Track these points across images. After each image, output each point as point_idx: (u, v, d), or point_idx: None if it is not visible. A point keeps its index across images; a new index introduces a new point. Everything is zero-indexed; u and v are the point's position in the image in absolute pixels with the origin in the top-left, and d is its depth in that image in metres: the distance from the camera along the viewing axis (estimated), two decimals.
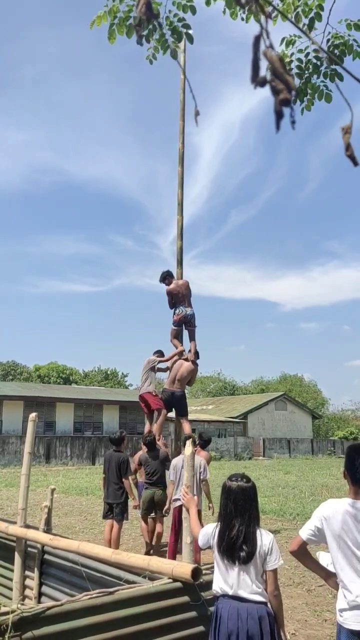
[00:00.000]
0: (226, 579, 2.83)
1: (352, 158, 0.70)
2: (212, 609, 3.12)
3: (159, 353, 9.62)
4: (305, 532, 2.87)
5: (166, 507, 7.71)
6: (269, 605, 2.80)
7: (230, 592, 2.80)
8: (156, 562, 3.34)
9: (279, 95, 0.64)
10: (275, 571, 2.84)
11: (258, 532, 2.87)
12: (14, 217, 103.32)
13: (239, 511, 2.87)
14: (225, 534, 2.86)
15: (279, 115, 0.64)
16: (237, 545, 2.81)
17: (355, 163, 0.70)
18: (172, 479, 7.61)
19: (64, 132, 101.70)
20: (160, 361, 9.46)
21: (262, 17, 0.68)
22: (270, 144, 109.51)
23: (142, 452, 8.63)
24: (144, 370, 9.56)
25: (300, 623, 5.50)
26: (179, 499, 7.35)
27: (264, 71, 0.69)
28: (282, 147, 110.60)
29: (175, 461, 7.70)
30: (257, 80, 0.66)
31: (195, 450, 8.56)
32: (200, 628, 3.08)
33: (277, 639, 2.76)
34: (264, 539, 2.85)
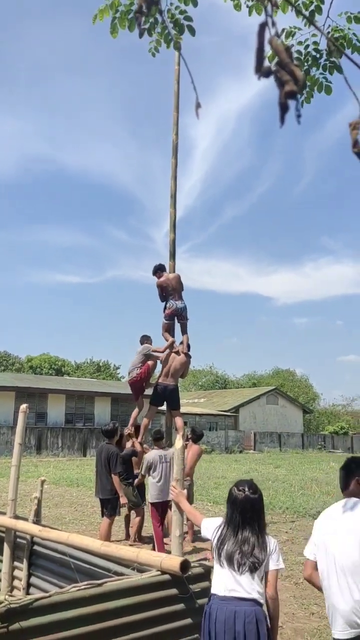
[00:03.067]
0: (225, 580, 2.83)
1: (359, 155, 0.68)
2: (200, 601, 3.13)
3: (146, 338, 9.51)
4: (308, 551, 2.97)
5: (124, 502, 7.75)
6: (264, 608, 2.79)
7: (228, 594, 2.79)
8: (145, 555, 3.34)
9: (285, 87, 0.61)
10: (275, 573, 2.85)
11: (267, 538, 2.89)
12: (7, 207, 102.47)
13: (247, 522, 2.88)
14: (228, 542, 2.87)
15: (283, 108, 0.61)
16: (241, 555, 2.80)
17: None
18: (142, 474, 7.66)
19: (58, 123, 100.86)
20: (153, 350, 9.40)
21: (269, 5, 0.66)
22: (266, 138, 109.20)
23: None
24: (136, 357, 9.43)
25: (287, 616, 5.53)
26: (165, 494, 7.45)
27: (268, 61, 0.67)
28: (278, 141, 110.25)
29: (148, 456, 7.75)
30: (262, 71, 0.63)
31: (187, 445, 8.65)
32: (188, 620, 3.09)
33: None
34: (269, 543, 2.87)
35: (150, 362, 9.29)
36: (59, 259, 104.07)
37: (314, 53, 4.02)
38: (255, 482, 3.07)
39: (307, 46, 4.09)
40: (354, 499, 2.91)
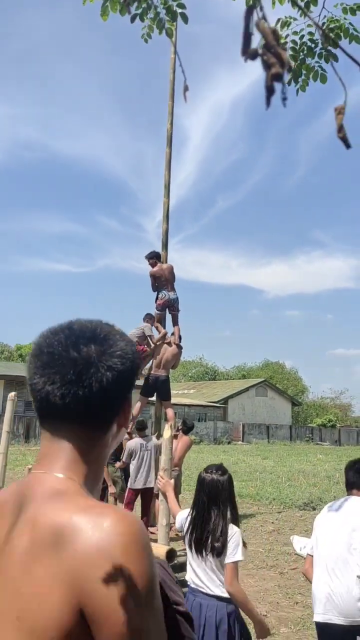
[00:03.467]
0: (195, 571, 2.84)
1: (344, 140, 0.67)
2: (186, 590, 3.16)
3: (150, 317, 9.47)
4: (308, 548, 3.03)
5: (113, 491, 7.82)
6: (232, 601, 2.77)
7: (198, 585, 2.80)
8: None
9: (271, 69, 0.61)
10: (231, 566, 2.74)
11: (231, 526, 2.84)
12: None
13: (212, 504, 2.84)
14: (196, 527, 2.85)
15: (269, 91, 0.61)
16: (207, 539, 2.79)
17: (347, 145, 0.67)
18: (124, 460, 7.77)
19: (50, 109, 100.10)
20: (149, 335, 9.35)
21: None
22: (260, 128, 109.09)
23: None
24: (134, 330, 9.35)
25: (272, 605, 5.60)
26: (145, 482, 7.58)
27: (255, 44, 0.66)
28: (272, 131, 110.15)
29: (130, 444, 7.86)
30: (248, 53, 0.63)
31: (178, 435, 8.69)
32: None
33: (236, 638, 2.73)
34: (229, 531, 2.82)
35: (147, 349, 9.26)
36: (50, 247, 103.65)
37: (309, 43, 4.00)
38: (243, 473, 3.07)
39: (303, 36, 4.07)
40: (353, 497, 3.06)
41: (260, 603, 5.50)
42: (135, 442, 7.91)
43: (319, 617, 2.87)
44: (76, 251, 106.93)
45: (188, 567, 2.92)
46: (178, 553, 3.22)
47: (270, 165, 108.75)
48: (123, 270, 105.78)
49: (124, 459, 7.77)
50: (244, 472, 17.48)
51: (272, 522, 9.67)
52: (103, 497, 7.85)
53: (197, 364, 69.90)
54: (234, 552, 2.77)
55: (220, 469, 2.98)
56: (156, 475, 7.94)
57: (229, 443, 37.99)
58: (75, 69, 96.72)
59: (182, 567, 3.23)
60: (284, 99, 0.61)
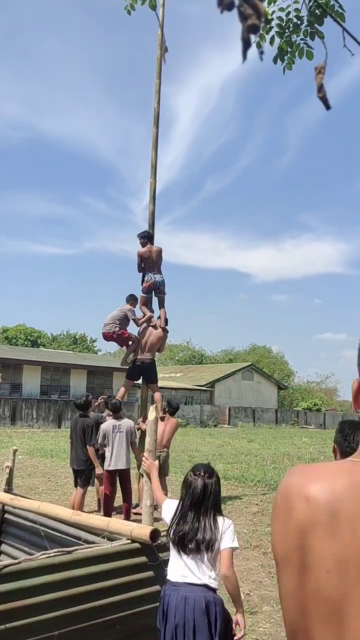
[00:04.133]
0: (177, 565, 2.83)
1: (324, 100, 0.65)
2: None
3: (133, 298, 9.44)
4: None
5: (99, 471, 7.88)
6: (219, 592, 2.79)
7: (180, 579, 2.79)
8: (115, 523, 3.37)
9: (247, 21, 0.59)
10: (227, 552, 2.80)
11: (220, 519, 2.86)
12: None
13: (201, 505, 2.85)
14: (183, 526, 2.85)
15: (246, 43, 0.59)
16: (188, 538, 2.80)
17: (327, 106, 0.66)
18: (99, 442, 7.79)
19: (36, 87, 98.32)
20: (132, 318, 9.34)
21: None
22: (249, 111, 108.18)
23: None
24: (117, 312, 9.36)
25: (255, 584, 5.68)
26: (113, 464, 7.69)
27: None
28: (261, 114, 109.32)
29: (104, 426, 7.87)
30: (224, 4, 0.61)
31: (165, 418, 8.72)
32: (157, 587, 3.14)
33: (221, 629, 2.72)
34: (222, 524, 2.84)
35: (128, 333, 9.27)
36: (36, 229, 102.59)
37: (295, 20, 3.94)
38: (229, 455, 3.07)
39: (289, 13, 4.00)
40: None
41: (244, 582, 5.57)
42: (107, 424, 7.90)
43: None
44: (62, 233, 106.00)
45: (170, 562, 2.90)
46: (162, 533, 3.25)
47: (260, 147, 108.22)
48: (110, 252, 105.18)
49: (99, 441, 7.79)
50: (229, 454, 17.65)
51: (257, 504, 9.79)
52: (89, 477, 7.88)
53: (184, 348, 70.09)
54: (232, 539, 2.82)
55: (208, 471, 2.96)
56: (137, 457, 8.04)
57: (215, 426, 38.28)
58: (60, 45, 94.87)
59: (166, 547, 3.25)
60: (261, 52, 0.59)
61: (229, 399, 43.96)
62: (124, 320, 9.27)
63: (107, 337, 9.27)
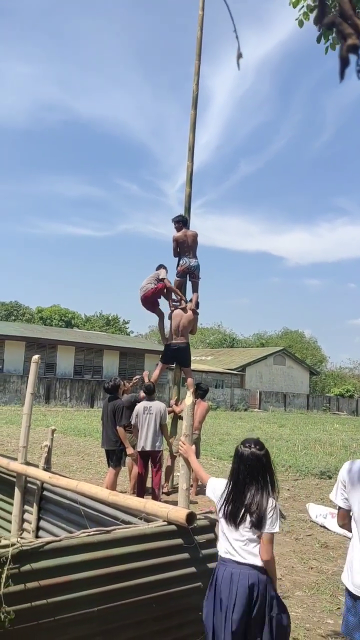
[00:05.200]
0: (228, 542, 2.87)
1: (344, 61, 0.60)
2: (204, 552, 3.23)
3: (162, 266, 9.39)
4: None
5: (130, 452, 7.96)
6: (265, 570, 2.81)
7: (226, 556, 2.85)
8: (152, 505, 3.42)
9: (347, 40, 0.56)
10: (268, 536, 2.78)
11: (270, 500, 2.85)
12: (17, 155, 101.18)
13: (253, 478, 2.86)
14: (234, 500, 2.87)
15: (344, 62, 0.57)
16: (244, 511, 2.82)
17: (345, 66, 0.60)
18: (132, 423, 7.90)
19: (71, 68, 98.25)
20: (164, 278, 9.21)
21: None
22: (285, 91, 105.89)
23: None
24: (151, 276, 9.25)
25: (287, 569, 5.71)
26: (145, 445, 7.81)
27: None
28: (298, 94, 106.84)
29: (137, 407, 8.01)
30: (324, 22, 0.59)
31: (197, 401, 8.76)
32: (192, 569, 3.19)
33: (268, 607, 2.76)
34: (269, 504, 2.83)
35: (163, 285, 9.15)
36: (70, 211, 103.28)
37: None
38: (260, 440, 3.08)
39: None
40: None
41: (276, 567, 5.60)
42: (139, 406, 8.05)
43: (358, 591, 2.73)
44: (96, 215, 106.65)
45: (220, 536, 2.95)
46: (198, 517, 3.28)
47: (295, 129, 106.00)
48: (143, 235, 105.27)
49: (132, 422, 7.92)
50: (260, 439, 17.53)
51: (288, 489, 9.79)
52: (120, 458, 8.01)
53: (216, 331, 69.99)
54: (274, 524, 2.81)
55: (258, 443, 2.99)
56: (166, 438, 8.13)
57: (245, 410, 38.28)
58: (95, 25, 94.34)
59: (202, 530, 3.29)
60: (359, 71, 0.57)
61: (260, 384, 43.83)
62: (157, 279, 9.19)
63: (147, 298, 9.11)
